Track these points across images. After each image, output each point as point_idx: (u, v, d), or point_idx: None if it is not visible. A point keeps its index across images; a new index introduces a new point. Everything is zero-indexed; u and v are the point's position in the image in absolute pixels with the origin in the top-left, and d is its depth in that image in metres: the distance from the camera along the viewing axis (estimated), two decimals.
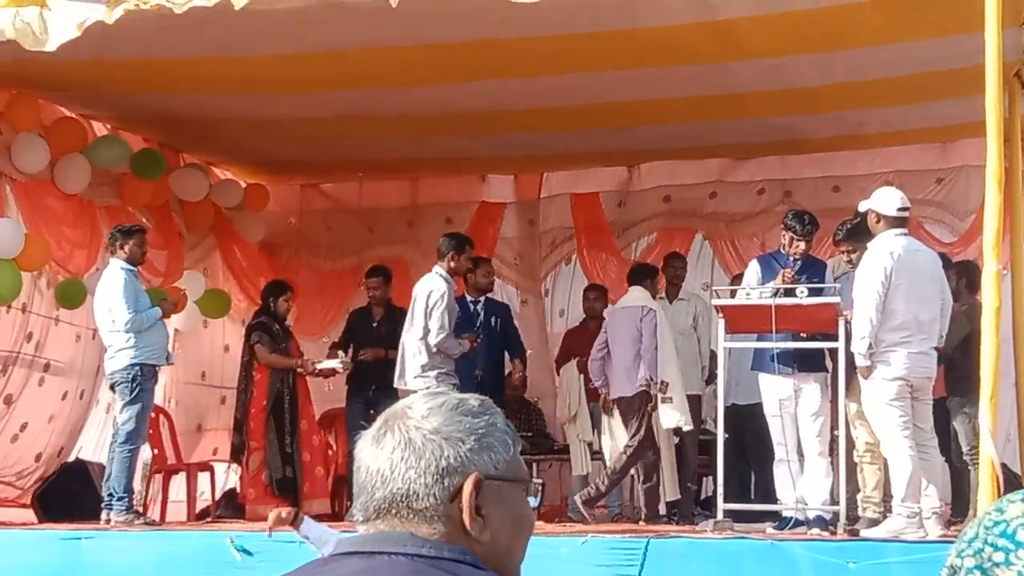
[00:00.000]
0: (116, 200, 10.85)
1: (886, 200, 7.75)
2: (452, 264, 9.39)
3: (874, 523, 7.97)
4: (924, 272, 7.64)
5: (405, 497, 1.72)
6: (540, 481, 9.62)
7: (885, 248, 7.61)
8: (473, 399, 1.81)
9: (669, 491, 9.66)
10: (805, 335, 8.28)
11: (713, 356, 9.97)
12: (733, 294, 8.56)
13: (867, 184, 11.42)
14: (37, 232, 9.90)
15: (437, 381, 8.92)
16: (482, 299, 10.51)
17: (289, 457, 10.18)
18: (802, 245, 8.39)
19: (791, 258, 8.43)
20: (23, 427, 10.15)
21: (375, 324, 10.70)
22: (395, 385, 9.34)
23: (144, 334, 9.08)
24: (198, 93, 9.63)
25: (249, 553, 7.88)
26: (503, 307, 10.93)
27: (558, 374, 10.79)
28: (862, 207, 7.88)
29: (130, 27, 7.52)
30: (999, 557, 1.72)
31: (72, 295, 10.15)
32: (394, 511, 1.73)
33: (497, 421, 1.79)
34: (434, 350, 9.10)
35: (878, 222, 7.72)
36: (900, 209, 7.70)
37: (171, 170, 11.37)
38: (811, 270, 8.42)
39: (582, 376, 10.16)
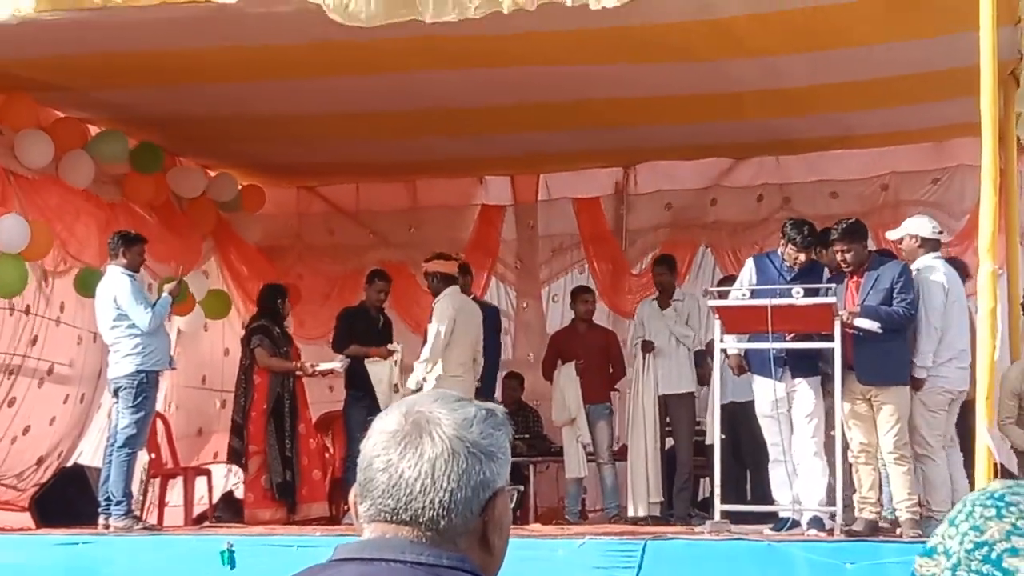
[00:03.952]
0: (120, 198, 10.88)
1: (922, 224, 8.21)
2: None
3: (871, 524, 7.97)
4: (962, 293, 8.12)
5: (446, 509, 1.69)
6: (520, 487, 9.58)
7: (938, 271, 8.01)
8: (499, 410, 1.80)
9: (653, 493, 9.71)
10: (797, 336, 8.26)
11: (701, 354, 9.94)
12: (724, 295, 8.52)
13: (864, 189, 11.46)
14: (46, 223, 9.89)
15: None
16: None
17: (289, 461, 10.16)
18: (801, 257, 8.35)
19: (786, 265, 8.39)
20: (25, 430, 10.14)
21: (380, 326, 10.71)
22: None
23: (150, 338, 9.07)
24: (192, 84, 9.46)
25: (232, 565, 7.87)
26: (490, 310, 10.87)
27: (545, 377, 10.73)
28: (894, 235, 8.32)
29: (120, 19, 7.50)
30: (990, 512, 1.77)
31: (91, 283, 10.09)
32: (428, 522, 1.70)
33: (509, 432, 1.80)
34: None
35: (920, 246, 8.16)
36: (936, 231, 8.20)
37: (168, 170, 11.40)
38: (809, 273, 8.39)
39: (579, 379, 10.14)
